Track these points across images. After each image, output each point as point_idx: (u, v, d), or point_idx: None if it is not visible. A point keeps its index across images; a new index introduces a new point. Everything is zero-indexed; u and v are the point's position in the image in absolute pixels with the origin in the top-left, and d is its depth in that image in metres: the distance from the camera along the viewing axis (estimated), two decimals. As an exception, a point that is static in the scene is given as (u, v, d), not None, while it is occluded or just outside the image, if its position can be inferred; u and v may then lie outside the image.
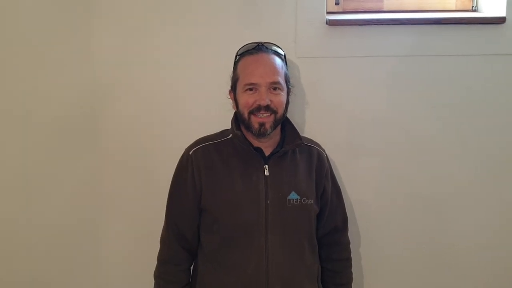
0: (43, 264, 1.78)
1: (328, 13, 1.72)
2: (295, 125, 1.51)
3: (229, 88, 1.50)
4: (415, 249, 1.78)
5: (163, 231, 1.51)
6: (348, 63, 1.69)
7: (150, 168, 1.72)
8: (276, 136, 1.47)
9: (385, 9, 1.80)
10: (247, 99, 1.40)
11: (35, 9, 1.66)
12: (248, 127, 1.41)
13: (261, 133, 1.40)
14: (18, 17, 1.66)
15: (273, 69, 1.42)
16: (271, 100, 1.39)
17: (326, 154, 1.57)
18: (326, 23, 1.65)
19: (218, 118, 1.54)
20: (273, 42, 1.52)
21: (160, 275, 1.48)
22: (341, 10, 1.79)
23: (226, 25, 1.66)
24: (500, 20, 1.64)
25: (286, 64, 1.50)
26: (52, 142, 1.72)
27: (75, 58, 1.68)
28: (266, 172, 1.42)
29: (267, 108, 1.39)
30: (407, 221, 1.77)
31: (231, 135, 1.46)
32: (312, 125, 1.71)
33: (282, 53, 1.50)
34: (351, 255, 1.60)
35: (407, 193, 1.76)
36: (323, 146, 1.59)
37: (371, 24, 1.67)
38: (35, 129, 1.72)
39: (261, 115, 1.39)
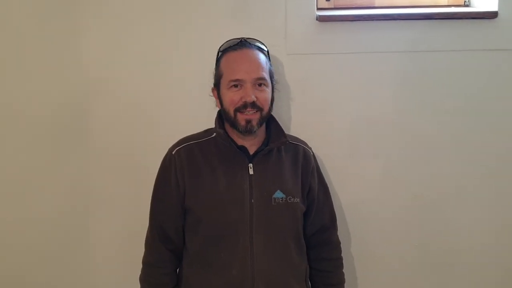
0: (32, 264, 1.78)
1: (318, 9, 1.70)
2: (280, 123, 1.49)
3: (212, 86, 1.48)
4: (410, 250, 1.76)
5: (147, 233, 1.49)
6: (339, 59, 1.67)
7: (140, 167, 1.71)
8: (261, 134, 1.46)
9: (376, 4, 1.78)
10: (232, 97, 1.38)
11: (23, 8, 1.65)
12: (234, 124, 1.39)
13: (247, 130, 1.39)
14: (6, 16, 1.66)
15: (258, 64, 1.40)
16: (256, 97, 1.37)
17: (312, 152, 1.55)
18: (317, 19, 1.63)
19: (210, 118, 1.52)
20: (263, 39, 1.50)
21: (145, 278, 1.46)
22: (332, 6, 1.77)
23: (215, 22, 1.64)
24: (492, 15, 1.62)
25: (270, 60, 1.48)
26: (40, 141, 1.71)
27: (63, 58, 1.67)
28: (251, 171, 1.40)
29: (253, 105, 1.37)
30: (403, 221, 1.75)
31: (214, 134, 1.45)
32: (302, 124, 1.69)
33: (265, 49, 1.48)
34: (343, 255, 1.57)
35: (402, 193, 1.74)
36: (314, 145, 1.58)
37: (362, 20, 1.65)
38: (23, 128, 1.71)
39: (248, 112, 1.37)
